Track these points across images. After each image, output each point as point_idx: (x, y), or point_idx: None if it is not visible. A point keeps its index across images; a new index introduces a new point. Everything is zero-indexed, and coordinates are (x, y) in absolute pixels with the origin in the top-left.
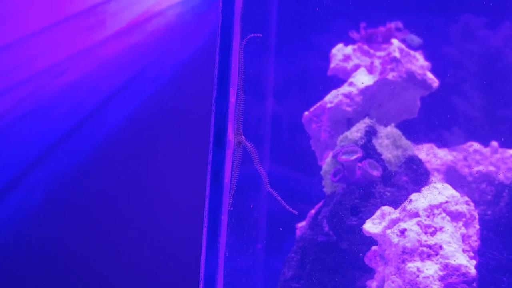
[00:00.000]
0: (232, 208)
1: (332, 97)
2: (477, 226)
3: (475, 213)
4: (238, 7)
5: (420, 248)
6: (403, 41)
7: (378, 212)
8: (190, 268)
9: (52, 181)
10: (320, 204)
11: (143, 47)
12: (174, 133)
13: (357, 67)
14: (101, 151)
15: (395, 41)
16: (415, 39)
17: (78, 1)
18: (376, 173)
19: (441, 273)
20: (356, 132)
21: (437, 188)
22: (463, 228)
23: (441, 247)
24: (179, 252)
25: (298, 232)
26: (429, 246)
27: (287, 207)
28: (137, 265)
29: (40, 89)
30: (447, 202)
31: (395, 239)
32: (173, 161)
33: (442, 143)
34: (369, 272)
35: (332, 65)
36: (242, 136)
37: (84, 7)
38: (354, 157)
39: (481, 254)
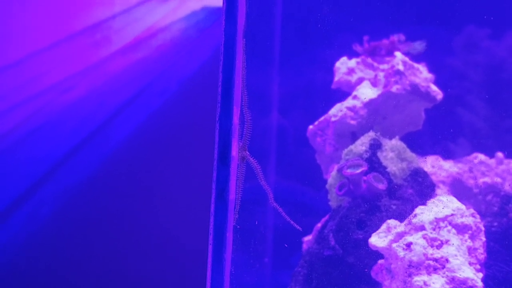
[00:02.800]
0: (238, 226)
1: (337, 111)
2: (483, 239)
3: (481, 226)
4: (240, 25)
5: (427, 262)
6: (406, 53)
7: (383, 226)
8: (196, 285)
9: (60, 196)
10: (326, 217)
11: (149, 62)
12: (181, 147)
13: (361, 80)
14: (108, 165)
15: (398, 54)
16: (418, 46)
17: (84, 17)
18: (381, 186)
19: (447, 286)
20: (361, 145)
21: (443, 201)
22: (469, 240)
23: (447, 260)
24: (185, 268)
25: (304, 246)
26: (435, 260)
27: (292, 222)
28: (144, 281)
29: (48, 105)
30: (452, 215)
31: (401, 253)
32: (180, 175)
33: (447, 155)
34: (376, 286)
35: (336, 78)
36: (246, 152)
37: (89, 23)
38: (359, 171)
39: (487, 267)
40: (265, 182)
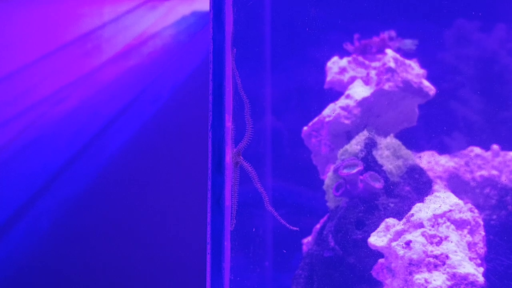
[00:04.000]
0: (232, 227)
1: (330, 111)
2: (483, 233)
3: (480, 220)
4: (228, 32)
5: (427, 259)
6: (397, 50)
7: (382, 225)
8: None
9: (58, 209)
10: (325, 218)
11: (141, 70)
12: (177, 154)
13: (353, 79)
14: (105, 175)
15: (389, 51)
16: (410, 43)
17: (73, 28)
18: (378, 185)
19: (449, 283)
20: (356, 144)
21: (440, 197)
22: (468, 235)
23: (447, 256)
24: (184, 277)
25: (304, 248)
26: (436, 256)
27: (288, 225)
28: None
29: (41, 118)
30: (450, 210)
31: (401, 251)
32: (177, 182)
33: (443, 150)
34: (377, 285)
35: (328, 78)
36: (240, 157)
37: (79, 33)
38: (355, 171)
39: (488, 261)
40: (261, 186)
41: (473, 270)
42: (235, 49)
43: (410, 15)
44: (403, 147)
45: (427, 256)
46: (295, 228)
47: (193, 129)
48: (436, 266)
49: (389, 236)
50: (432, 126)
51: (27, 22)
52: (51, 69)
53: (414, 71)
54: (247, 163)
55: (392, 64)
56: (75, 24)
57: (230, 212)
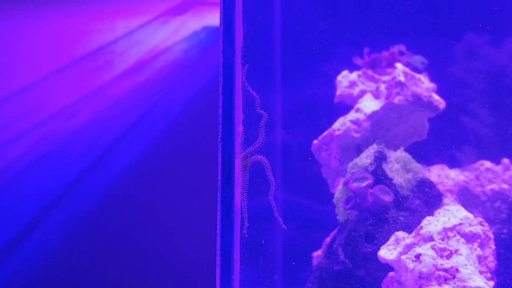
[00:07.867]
0: (245, 231)
1: (340, 124)
2: (493, 247)
3: (490, 234)
4: (238, 46)
5: (437, 272)
6: (407, 64)
7: (392, 238)
8: None
9: (69, 222)
10: (335, 232)
11: (152, 84)
12: (187, 168)
13: (363, 92)
14: (115, 189)
15: (399, 65)
16: (420, 60)
17: (86, 43)
18: (388, 198)
19: None
20: (366, 158)
21: (450, 211)
22: (478, 249)
23: (457, 270)
24: None
25: (314, 261)
26: (445, 270)
27: (282, 223)
28: None
29: (53, 132)
30: (460, 224)
31: (411, 265)
32: (186, 196)
33: (453, 163)
34: None
35: (338, 92)
36: (248, 160)
37: (91, 48)
38: (365, 184)
39: (498, 274)
40: (271, 174)
41: (483, 284)
42: (247, 65)
43: (419, 29)
44: (413, 161)
45: (437, 269)
46: (284, 227)
47: (203, 142)
48: (446, 280)
49: (399, 249)
50: (442, 140)
51: (39, 37)
52: (64, 83)
53: (424, 85)
54: (259, 155)
55: (401, 78)
56: (87, 39)
57: (241, 221)
